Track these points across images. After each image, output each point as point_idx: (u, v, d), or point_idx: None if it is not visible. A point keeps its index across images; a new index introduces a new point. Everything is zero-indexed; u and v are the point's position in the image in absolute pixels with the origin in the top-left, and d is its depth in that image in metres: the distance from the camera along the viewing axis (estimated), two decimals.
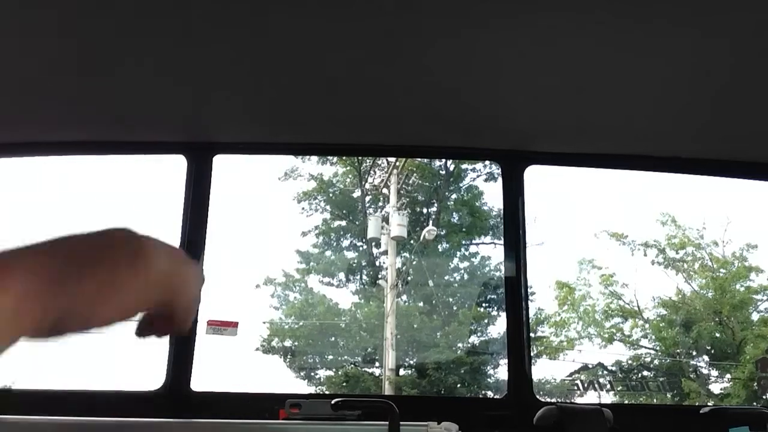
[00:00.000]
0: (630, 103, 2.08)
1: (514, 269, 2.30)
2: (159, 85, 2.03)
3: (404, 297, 9.49)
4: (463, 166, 9.84)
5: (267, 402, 2.01)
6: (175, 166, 2.39)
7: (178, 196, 2.35)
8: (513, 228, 2.34)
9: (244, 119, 2.27)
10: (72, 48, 1.82)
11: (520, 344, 2.24)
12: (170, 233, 2.39)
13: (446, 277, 9.66)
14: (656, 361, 9.01)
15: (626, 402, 8.23)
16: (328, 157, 9.47)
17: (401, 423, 1.69)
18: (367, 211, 9.89)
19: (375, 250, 9.60)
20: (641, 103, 2.07)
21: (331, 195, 9.91)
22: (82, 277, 0.47)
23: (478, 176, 9.92)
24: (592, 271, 9.32)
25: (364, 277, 9.76)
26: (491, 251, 9.65)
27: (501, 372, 8.84)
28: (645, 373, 8.91)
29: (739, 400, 7.95)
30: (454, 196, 10.22)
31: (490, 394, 9.11)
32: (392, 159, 9.23)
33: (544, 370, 8.82)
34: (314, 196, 9.83)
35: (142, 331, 0.57)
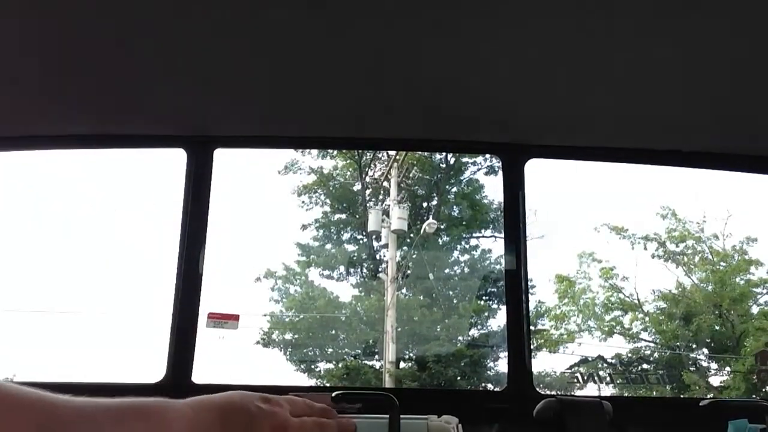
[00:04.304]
0: (630, 96, 2.07)
1: (514, 262, 2.30)
2: (159, 79, 2.03)
3: (404, 290, 9.51)
4: (464, 160, 9.85)
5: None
6: (175, 160, 2.40)
7: (179, 190, 2.36)
8: (513, 221, 2.34)
9: (244, 113, 2.27)
10: (72, 43, 1.81)
11: (520, 337, 2.24)
12: (171, 227, 2.40)
13: (446, 270, 9.67)
14: (656, 354, 9.03)
15: (626, 395, 8.26)
16: (328, 151, 9.47)
17: (401, 416, 1.69)
18: (368, 205, 9.89)
19: (375, 244, 9.61)
20: (642, 96, 2.07)
21: (331, 188, 9.91)
22: None
23: (478, 170, 9.92)
24: (592, 265, 9.33)
25: (365, 270, 9.78)
26: (491, 244, 9.67)
27: (501, 365, 8.88)
28: (645, 365, 8.93)
29: (738, 393, 7.97)
30: (454, 189, 10.22)
31: (490, 386, 9.13)
32: (393, 152, 9.23)
33: (544, 363, 8.85)
34: (314, 190, 9.83)
35: None
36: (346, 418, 0.68)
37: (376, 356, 9.08)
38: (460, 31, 1.75)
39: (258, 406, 0.62)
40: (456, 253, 9.76)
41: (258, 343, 8.89)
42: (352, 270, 9.67)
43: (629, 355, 8.92)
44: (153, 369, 2.23)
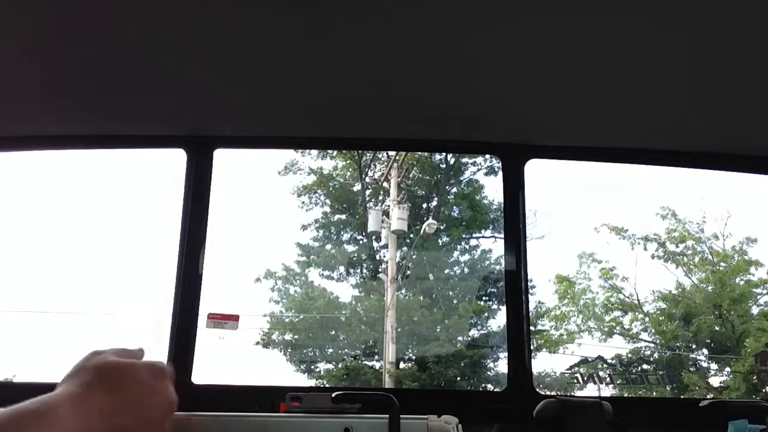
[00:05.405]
0: (630, 96, 2.07)
1: (514, 263, 2.30)
2: (159, 79, 2.03)
3: (404, 290, 9.51)
4: (464, 160, 9.85)
5: (267, 395, 2.01)
6: (175, 160, 2.40)
7: (179, 190, 2.36)
8: (513, 222, 2.34)
9: (244, 113, 2.27)
10: (72, 43, 1.81)
11: (520, 337, 2.24)
12: (171, 227, 2.40)
13: (446, 271, 9.67)
14: (656, 355, 9.03)
15: (626, 395, 8.25)
16: (328, 151, 9.47)
17: (401, 416, 1.69)
18: (368, 205, 9.90)
19: (375, 244, 9.61)
20: (642, 96, 2.07)
21: (331, 189, 9.91)
22: None
23: (478, 170, 9.93)
24: (592, 265, 9.33)
25: (365, 270, 9.78)
26: (491, 245, 9.67)
27: (501, 365, 8.88)
28: (645, 366, 8.93)
29: (738, 393, 7.97)
30: (454, 189, 10.22)
31: (490, 387, 9.13)
32: (392, 153, 9.23)
33: (544, 364, 8.85)
34: (314, 190, 9.83)
35: None
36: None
37: (376, 357, 9.09)
38: (460, 31, 1.75)
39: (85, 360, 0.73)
40: (456, 254, 9.77)
41: (258, 343, 8.89)
42: (352, 270, 9.67)
43: (629, 355, 8.92)
44: None
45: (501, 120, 2.25)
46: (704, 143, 2.36)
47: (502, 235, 2.40)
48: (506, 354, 2.32)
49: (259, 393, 2.14)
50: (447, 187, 10.18)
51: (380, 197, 9.96)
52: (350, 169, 10.01)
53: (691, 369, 8.72)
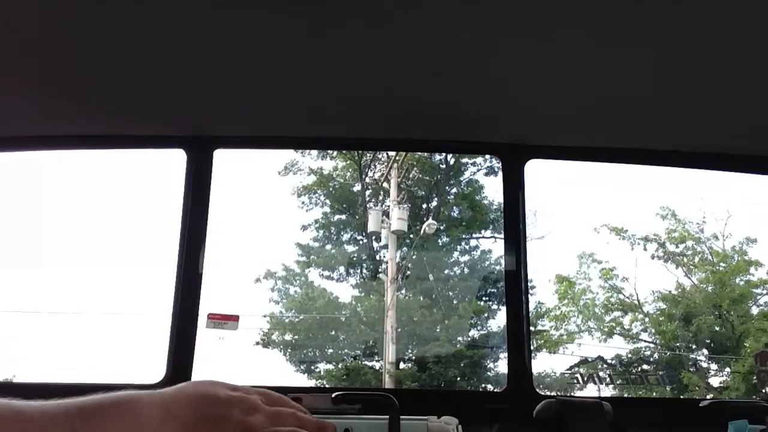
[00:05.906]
0: (630, 96, 2.07)
1: (514, 263, 2.30)
2: (159, 79, 2.03)
3: (404, 291, 9.50)
4: (464, 160, 9.84)
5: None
6: (175, 160, 2.40)
7: (179, 190, 2.36)
8: (513, 222, 2.34)
9: (244, 113, 2.27)
10: (72, 43, 1.81)
11: (520, 338, 2.24)
12: (171, 227, 2.40)
13: (446, 271, 9.67)
14: (656, 355, 9.03)
15: (626, 395, 8.25)
16: (328, 151, 9.47)
17: (401, 416, 1.69)
18: (368, 205, 9.89)
19: (375, 244, 9.61)
20: (642, 96, 2.07)
21: (331, 189, 9.91)
22: None
23: (478, 170, 9.92)
24: (592, 265, 9.33)
25: (365, 270, 9.77)
26: (491, 245, 9.67)
27: (501, 365, 8.87)
28: (644, 366, 8.93)
29: (738, 394, 7.97)
30: (454, 190, 10.22)
31: (490, 387, 9.13)
32: (392, 153, 9.23)
33: (544, 364, 8.85)
34: (314, 190, 9.83)
35: None
36: (329, 421, 0.67)
37: (376, 357, 9.08)
38: (460, 31, 1.75)
39: (227, 392, 0.62)
40: (456, 254, 9.76)
41: (258, 343, 8.88)
42: (351, 270, 9.67)
43: (629, 355, 8.92)
44: (153, 369, 2.23)
45: (501, 120, 2.25)
46: (704, 143, 2.36)
47: (502, 236, 2.40)
48: (506, 354, 2.32)
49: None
50: (447, 188, 10.18)
51: (380, 197, 9.96)
52: (350, 170, 10.01)
53: (691, 369, 8.71)
